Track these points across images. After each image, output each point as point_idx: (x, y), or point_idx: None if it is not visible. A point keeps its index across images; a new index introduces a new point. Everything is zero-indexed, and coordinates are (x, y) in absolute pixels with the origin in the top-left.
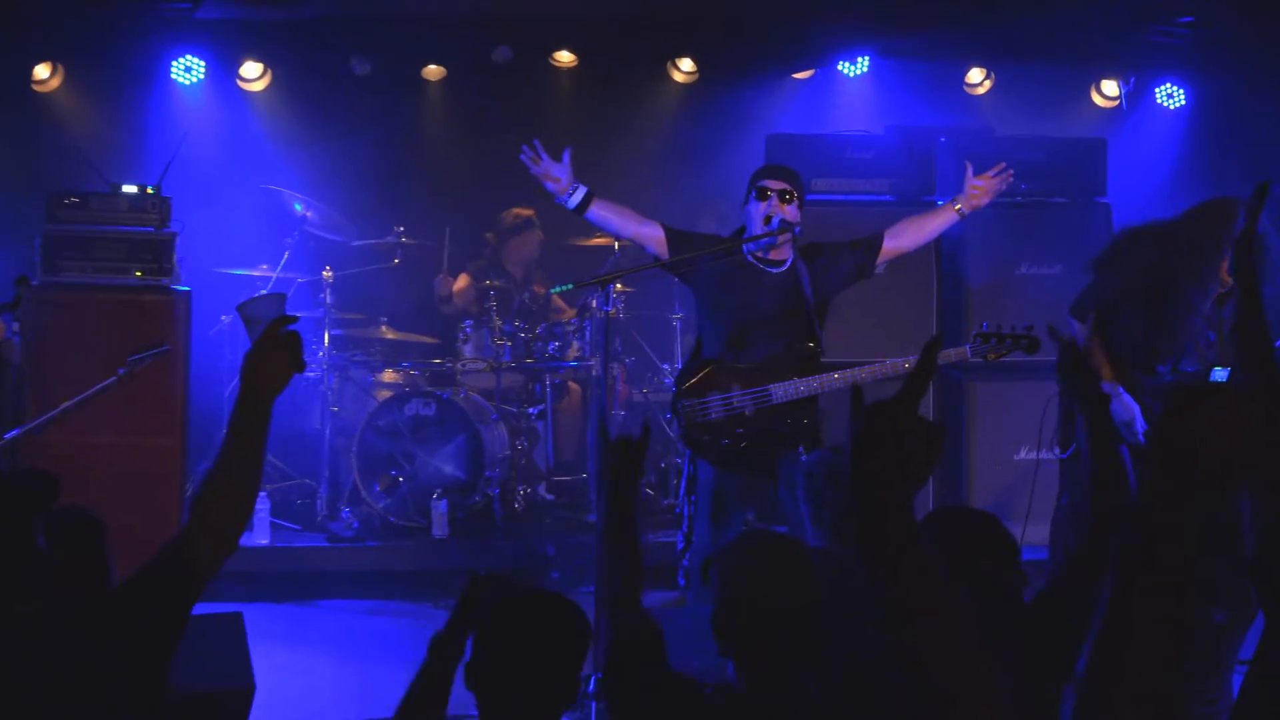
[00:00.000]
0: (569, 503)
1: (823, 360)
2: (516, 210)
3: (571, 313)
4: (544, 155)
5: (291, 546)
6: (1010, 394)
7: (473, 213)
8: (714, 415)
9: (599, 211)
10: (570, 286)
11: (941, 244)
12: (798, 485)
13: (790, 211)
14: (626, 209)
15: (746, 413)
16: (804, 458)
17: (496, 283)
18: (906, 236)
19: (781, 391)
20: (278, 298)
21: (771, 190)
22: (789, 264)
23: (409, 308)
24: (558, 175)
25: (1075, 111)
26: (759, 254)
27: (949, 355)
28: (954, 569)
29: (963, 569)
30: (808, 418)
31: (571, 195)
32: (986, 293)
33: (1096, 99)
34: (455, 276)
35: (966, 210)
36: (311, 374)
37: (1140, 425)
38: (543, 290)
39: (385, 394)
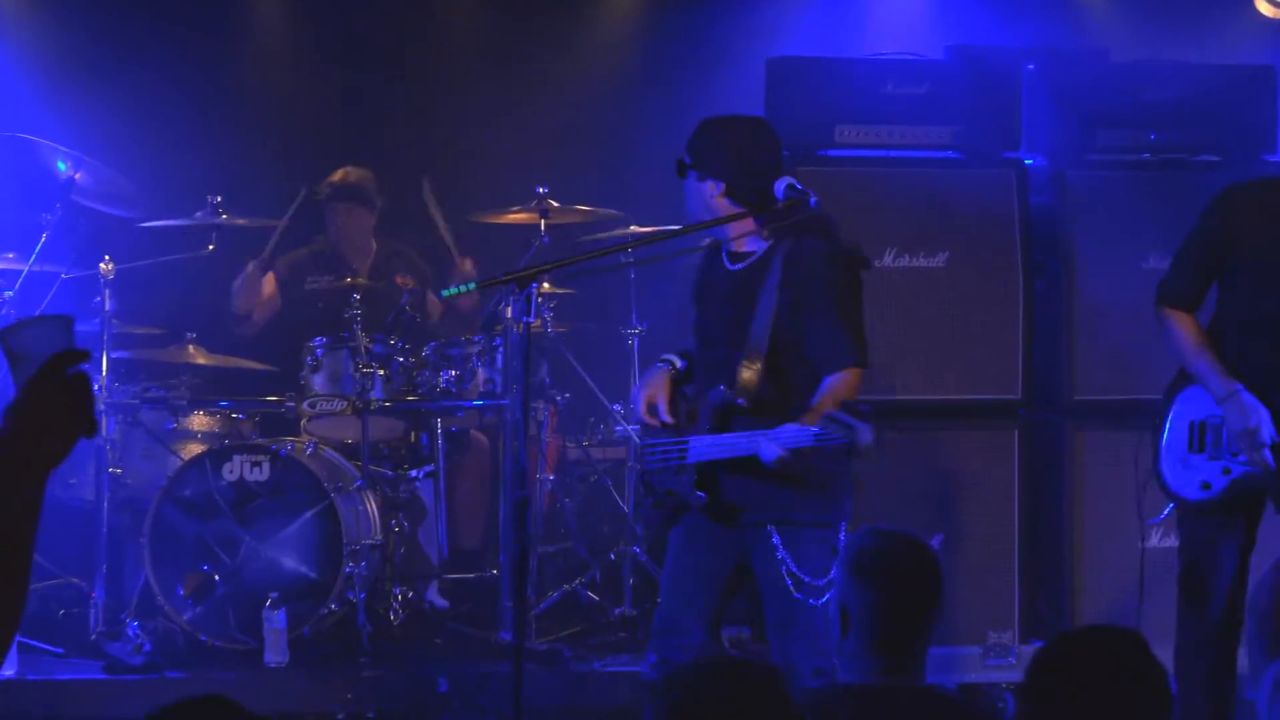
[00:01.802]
0: (471, 612)
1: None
2: (343, 171)
3: (453, 304)
4: None
5: (52, 680)
6: (1130, 446)
7: (324, 175)
8: (650, 463)
9: None
10: (471, 287)
11: (1031, 221)
12: (771, 582)
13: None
14: None
15: (672, 466)
16: (776, 539)
17: (326, 281)
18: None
19: (697, 448)
20: (60, 323)
21: None
22: (756, 257)
23: (231, 318)
24: None
25: (1230, 25)
26: (728, 241)
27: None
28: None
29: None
30: (771, 483)
31: None
32: (1098, 297)
33: (1262, 5)
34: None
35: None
36: None
37: (1268, 433)
38: (408, 282)
39: (194, 449)
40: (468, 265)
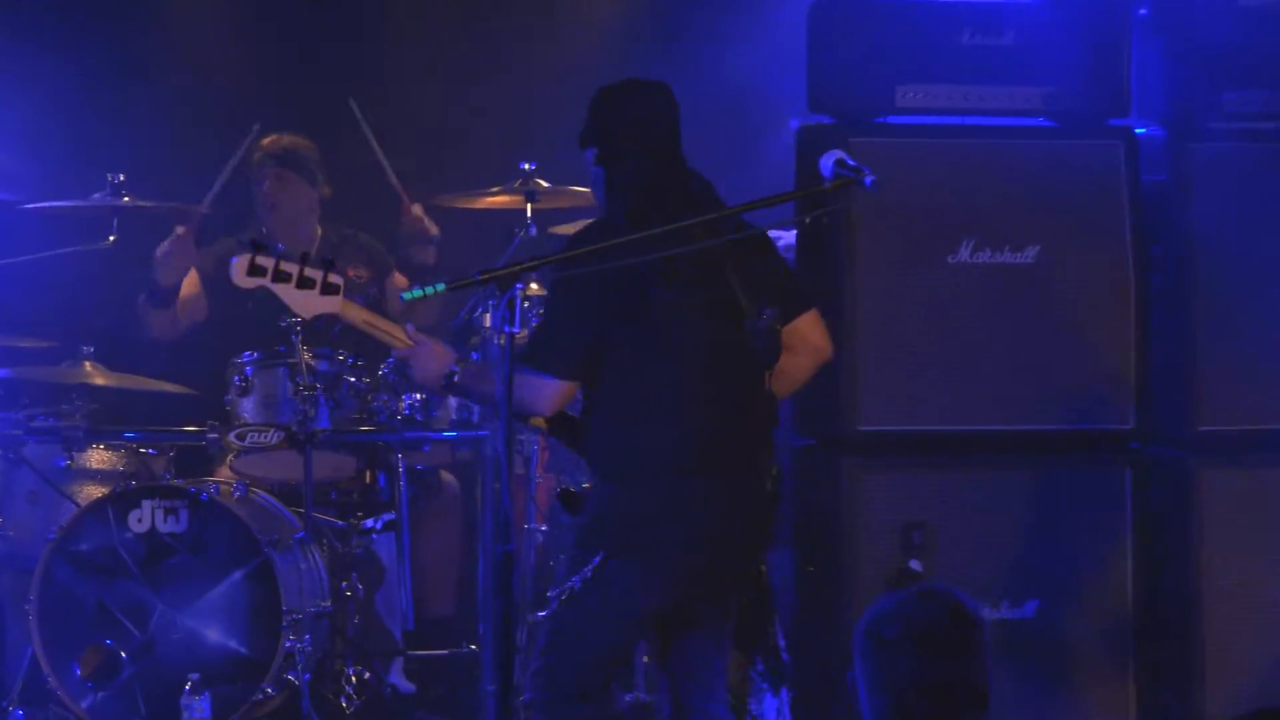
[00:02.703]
0: (443, 697)
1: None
2: (275, 136)
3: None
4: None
5: None
6: (1270, 489)
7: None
8: None
9: None
10: (440, 288)
11: (1144, 205)
12: None
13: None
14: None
15: None
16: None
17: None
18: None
19: None
20: None
21: None
22: None
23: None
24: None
25: None
26: None
27: None
28: None
29: None
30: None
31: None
32: (1228, 300)
33: None
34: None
35: None
36: None
37: None
38: (362, 275)
39: (92, 492)
40: (419, 213)
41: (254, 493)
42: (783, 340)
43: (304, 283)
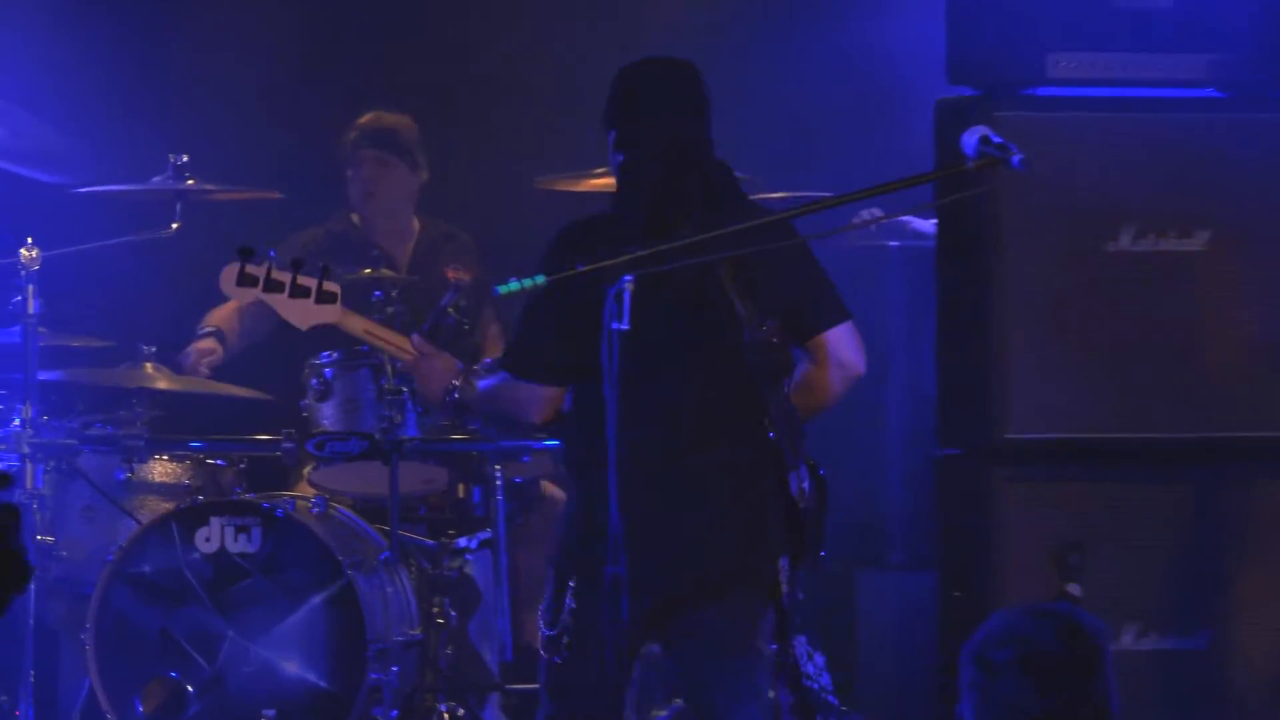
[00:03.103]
0: None
1: None
2: (374, 114)
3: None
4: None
5: None
6: None
7: (329, 130)
8: None
9: None
10: (540, 280)
11: None
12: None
13: None
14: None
15: None
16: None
17: (352, 273)
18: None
19: None
20: None
21: None
22: None
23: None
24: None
25: None
26: None
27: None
28: None
29: None
30: None
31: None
32: None
33: None
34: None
35: None
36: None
37: None
38: (462, 275)
39: (154, 508)
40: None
41: (334, 508)
42: (809, 352)
43: (298, 291)
